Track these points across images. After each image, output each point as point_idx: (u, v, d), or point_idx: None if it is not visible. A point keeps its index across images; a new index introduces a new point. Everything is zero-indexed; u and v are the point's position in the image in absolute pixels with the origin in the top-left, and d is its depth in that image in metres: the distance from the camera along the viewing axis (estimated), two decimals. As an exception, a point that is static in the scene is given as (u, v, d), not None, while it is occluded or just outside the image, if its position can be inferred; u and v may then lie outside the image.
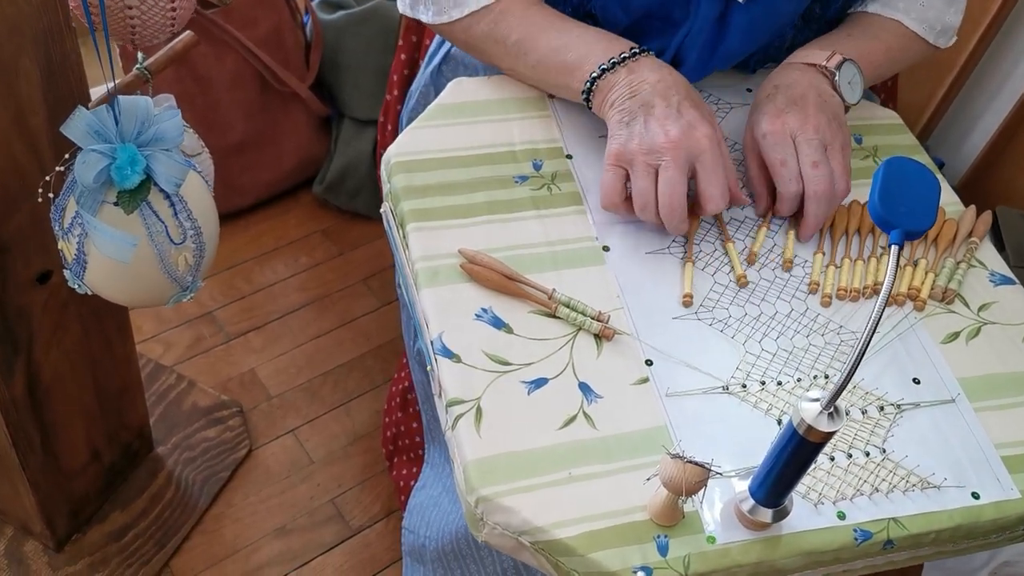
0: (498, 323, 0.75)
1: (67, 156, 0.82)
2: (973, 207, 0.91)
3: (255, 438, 1.47)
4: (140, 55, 0.95)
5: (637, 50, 0.85)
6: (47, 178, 0.85)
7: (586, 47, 0.86)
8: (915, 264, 0.86)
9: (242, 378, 1.54)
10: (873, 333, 0.55)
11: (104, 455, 1.29)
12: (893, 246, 0.58)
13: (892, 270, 0.56)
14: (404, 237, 0.81)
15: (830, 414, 0.57)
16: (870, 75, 0.94)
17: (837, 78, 0.88)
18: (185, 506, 1.36)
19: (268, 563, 1.34)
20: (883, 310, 0.55)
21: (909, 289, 0.83)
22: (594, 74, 0.84)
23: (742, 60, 0.98)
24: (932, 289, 0.84)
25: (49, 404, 1.12)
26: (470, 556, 0.96)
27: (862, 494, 0.70)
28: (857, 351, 0.55)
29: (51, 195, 0.83)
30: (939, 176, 0.95)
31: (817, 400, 0.58)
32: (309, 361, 1.57)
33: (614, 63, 0.84)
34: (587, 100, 0.86)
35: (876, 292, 0.83)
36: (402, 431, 1.36)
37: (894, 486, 0.71)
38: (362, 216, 1.78)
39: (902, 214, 0.58)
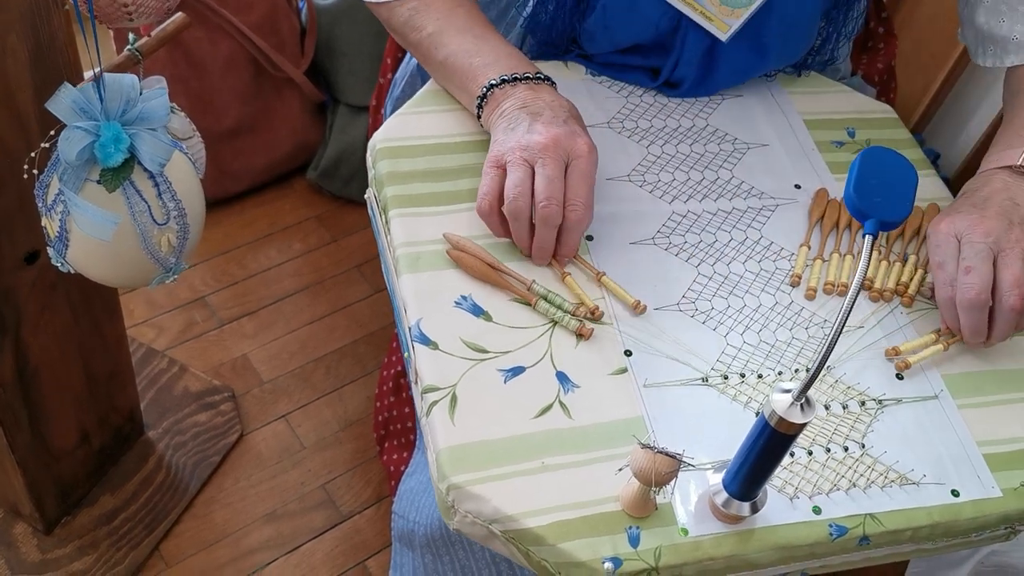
0: (477, 311, 0.75)
1: (52, 133, 0.81)
2: None
3: (246, 423, 1.47)
4: (131, 36, 0.94)
5: (543, 76, 0.83)
6: (32, 154, 0.85)
7: (494, 56, 0.85)
8: (904, 260, 0.85)
9: (234, 363, 1.53)
10: (845, 321, 0.54)
11: (94, 438, 1.29)
12: (867, 236, 0.57)
13: (865, 260, 0.56)
14: (387, 223, 0.81)
15: (801, 405, 0.57)
16: None
17: None
18: (175, 490, 1.36)
19: (258, 548, 1.34)
20: (855, 298, 0.55)
21: (897, 285, 0.83)
22: (493, 81, 0.82)
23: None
24: (921, 286, 0.83)
25: (37, 385, 1.12)
26: (459, 542, 0.95)
27: (839, 489, 0.69)
28: (829, 340, 0.55)
29: (35, 172, 0.83)
30: (931, 171, 0.94)
31: (789, 391, 0.57)
32: (302, 347, 1.57)
33: (516, 78, 0.82)
34: (479, 107, 0.84)
35: (863, 287, 0.82)
36: (393, 416, 1.36)
37: (872, 482, 0.70)
38: (356, 203, 1.77)
39: (877, 204, 0.58)
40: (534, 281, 0.77)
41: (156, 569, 1.30)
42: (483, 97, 0.83)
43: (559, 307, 0.75)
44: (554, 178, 0.75)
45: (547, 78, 0.84)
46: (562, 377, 0.72)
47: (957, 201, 0.82)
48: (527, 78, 0.82)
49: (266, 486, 1.40)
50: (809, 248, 0.84)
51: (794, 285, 0.82)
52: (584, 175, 0.76)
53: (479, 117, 0.84)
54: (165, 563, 1.31)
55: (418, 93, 0.91)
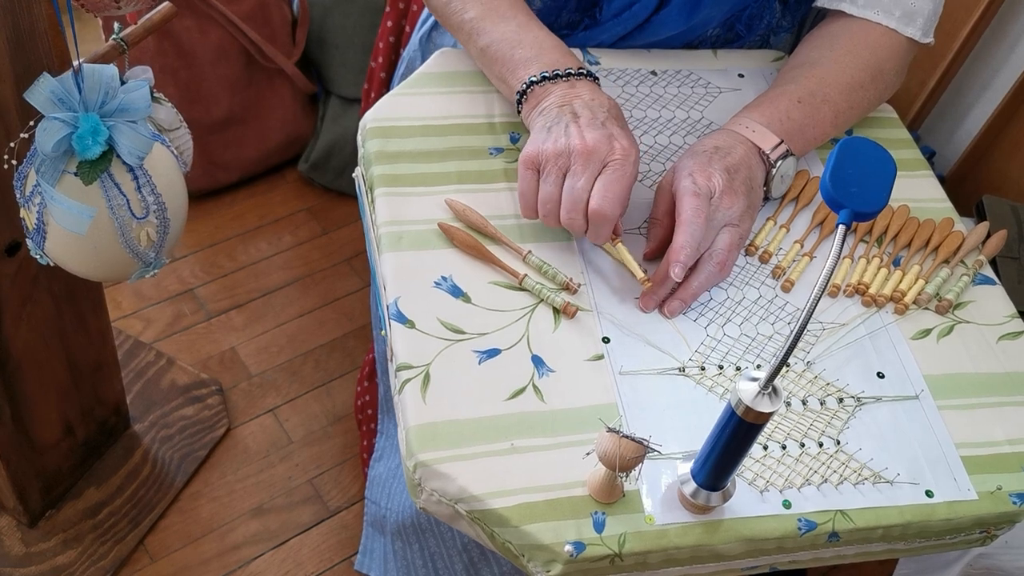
0: (457, 292, 0.75)
1: (31, 124, 0.81)
2: (986, 224, 0.89)
3: (234, 417, 1.46)
4: (116, 25, 0.94)
5: (584, 71, 0.83)
6: (11, 144, 0.84)
7: (538, 49, 0.84)
8: (905, 269, 0.84)
9: (222, 356, 1.53)
10: (812, 311, 0.54)
11: (78, 431, 1.28)
12: (840, 226, 0.57)
13: (836, 251, 0.55)
14: (372, 201, 0.81)
15: (768, 394, 0.56)
16: (819, 140, 0.89)
17: (773, 172, 0.84)
18: (161, 484, 1.36)
19: (244, 542, 1.34)
20: (824, 289, 0.54)
21: (894, 292, 0.82)
22: (534, 78, 0.82)
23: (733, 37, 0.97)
24: (920, 295, 0.82)
25: (20, 378, 1.11)
26: (430, 530, 0.95)
27: (811, 484, 0.69)
28: (796, 328, 0.54)
29: (14, 162, 0.83)
30: (928, 171, 0.94)
31: (756, 380, 0.57)
32: (290, 340, 1.57)
33: (557, 74, 0.82)
34: (519, 102, 0.84)
35: (857, 292, 0.81)
36: (367, 400, 1.36)
37: (845, 478, 0.69)
38: (347, 195, 1.77)
39: (852, 195, 0.57)
40: (530, 251, 0.77)
41: (141, 563, 1.30)
42: (523, 93, 0.83)
43: (552, 278, 0.76)
44: (581, 188, 0.76)
45: (589, 73, 0.83)
46: (537, 361, 0.72)
47: (714, 159, 0.82)
48: (569, 74, 0.82)
49: (253, 480, 1.40)
50: (775, 223, 0.85)
51: (749, 255, 0.82)
52: (618, 175, 0.76)
53: (519, 112, 0.85)
54: (150, 557, 1.31)
55: (412, 75, 0.91)
